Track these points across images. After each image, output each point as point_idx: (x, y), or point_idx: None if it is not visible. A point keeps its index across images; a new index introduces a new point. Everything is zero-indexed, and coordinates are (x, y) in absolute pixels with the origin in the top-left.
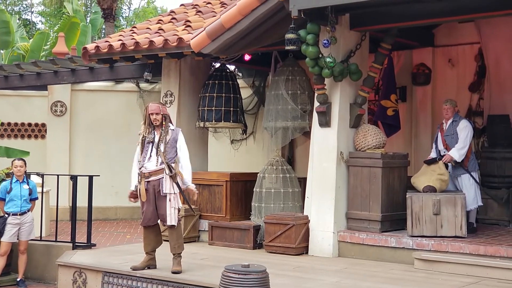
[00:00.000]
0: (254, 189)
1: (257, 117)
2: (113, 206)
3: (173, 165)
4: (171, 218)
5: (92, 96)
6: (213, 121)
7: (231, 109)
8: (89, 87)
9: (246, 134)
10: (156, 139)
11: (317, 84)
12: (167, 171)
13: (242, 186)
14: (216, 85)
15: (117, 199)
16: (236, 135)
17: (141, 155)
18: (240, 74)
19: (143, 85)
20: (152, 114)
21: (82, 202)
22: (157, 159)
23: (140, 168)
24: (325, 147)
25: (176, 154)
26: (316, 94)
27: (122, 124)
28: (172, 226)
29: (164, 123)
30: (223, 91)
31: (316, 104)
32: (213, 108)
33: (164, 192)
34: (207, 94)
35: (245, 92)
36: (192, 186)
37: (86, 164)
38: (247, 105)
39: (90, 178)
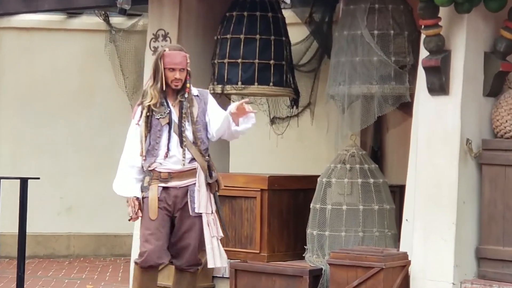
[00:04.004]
0: (311, 205)
1: (317, 78)
2: (64, 232)
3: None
4: (214, 255)
5: (28, 39)
6: (240, 83)
7: (271, 62)
8: (21, 24)
9: (297, 108)
10: (175, 116)
11: (426, 17)
12: (203, 173)
13: (290, 200)
14: (245, 20)
15: (70, 220)
16: (280, 109)
17: (143, 144)
18: (288, 1)
19: (116, 19)
20: (173, 69)
21: (7, 225)
22: (183, 153)
23: (148, 165)
24: (438, 130)
25: (209, 139)
26: (423, 36)
27: (78, 90)
28: (200, 268)
29: (187, 85)
30: (256, 30)
31: (424, 53)
32: (239, 60)
33: (197, 211)
34: (228, 36)
35: (297, 33)
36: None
37: (14, 159)
38: (300, 57)
39: (23, 182)
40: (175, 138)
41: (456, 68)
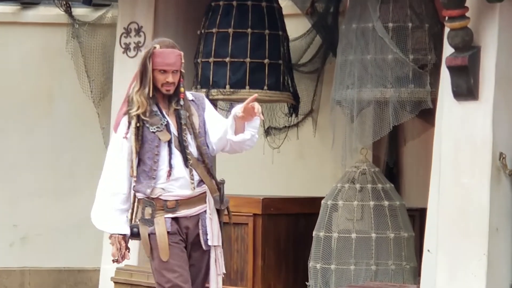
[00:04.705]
0: (314, 233)
1: (320, 80)
2: (18, 267)
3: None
4: None
5: None
6: (228, 87)
7: (266, 62)
8: None
9: (297, 116)
10: (173, 128)
11: (450, 7)
12: (212, 198)
13: (288, 227)
14: (234, 11)
15: (25, 252)
16: (276, 117)
17: (135, 163)
18: None
19: (79, 11)
20: (164, 71)
21: None
22: (190, 173)
23: (148, 192)
24: (466, 143)
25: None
26: (447, 30)
27: (34, 95)
28: None
29: (181, 90)
30: (248, 23)
31: (448, 50)
32: (227, 59)
33: (210, 243)
34: (214, 30)
35: (296, 26)
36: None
37: None
38: (300, 55)
39: None
40: (177, 155)
41: (487, 68)
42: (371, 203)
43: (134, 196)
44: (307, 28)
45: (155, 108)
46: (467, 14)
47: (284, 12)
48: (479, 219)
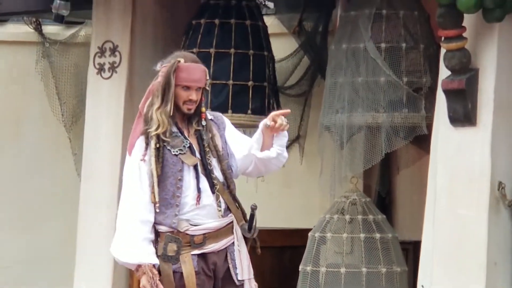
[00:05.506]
0: (300, 267)
1: (308, 104)
2: None
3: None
4: None
5: None
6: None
7: (250, 84)
8: None
9: None
10: (195, 151)
11: (447, 27)
12: (239, 229)
13: (273, 260)
14: (216, 30)
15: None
16: None
17: (156, 188)
18: (272, 6)
19: (50, 29)
20: (188, 87)
21: None
22: (217, 200)
23: (171, 224)
24: (463, 171)
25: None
26: (443, 51)
27: (0, 117)
28: None
29: (202, 109)
30: (231, 42)
31: (445, 73)
32: (209, 81)
33: (240, 278)
34: (194, 50)
35: (283, 46)
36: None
37: None
38: (286, 76)
39: None
40: (203, 180)
41: (485, 92)
42: (362, 235)
43: (154, 228)
44: (294, 48)
45: (174, 129)
46: (464, 35)
47: (270, 31)
48: (476, 253)
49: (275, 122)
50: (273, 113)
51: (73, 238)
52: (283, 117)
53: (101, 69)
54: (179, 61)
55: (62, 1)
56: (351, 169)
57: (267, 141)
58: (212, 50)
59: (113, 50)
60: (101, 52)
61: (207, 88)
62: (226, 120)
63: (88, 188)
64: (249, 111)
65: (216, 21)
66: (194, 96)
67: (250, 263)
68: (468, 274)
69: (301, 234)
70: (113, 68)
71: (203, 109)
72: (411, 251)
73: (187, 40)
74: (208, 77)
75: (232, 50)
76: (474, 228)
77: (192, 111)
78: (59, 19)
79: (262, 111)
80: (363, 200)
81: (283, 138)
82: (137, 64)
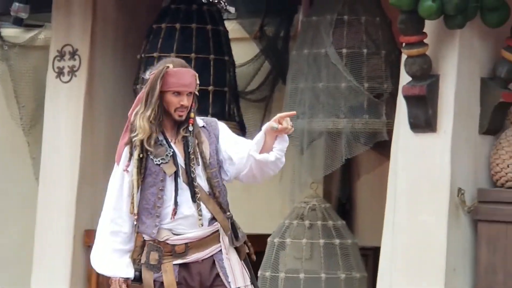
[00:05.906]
0: (259, 273)
1: (268, 109)
2: None
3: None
4: None
5: None
6: None
7: (210, 89)
8: None
9: None
10: (180, 159)
11: (408, 33)
12: (226, 236)
13: None
14: (177, 34)
15: None
16: None
17: (135, 199)
18: (233, 11)
19: (9, 32)
20: (178, 93)
21: None
22: (198, 208)
23: (153, 234)
24: (423, 178)
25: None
26: (404, 57)
27: None
28: None
29: (191, 115)
30: (192, 47)
31: (405, 79)
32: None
33: (233, 285)
34: (155, 55)
35: (244, 51)
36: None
37: None
38: (247, 81)
39: None
40: (185, 190)
41: (446, 98)
42: (321, 241)
43: (139, 237)
44: (255, 53)
45: (160, 137)
46: (425, 41)
47: (231, 36)
48: (436, 259)
49: (281, 124)
50: (279, 115)
51: (31, 241)
52: (288, 120)
53: (60, 73)
54: (167, 67)
55: (21, 4)
56: (311, 175)
57: (269, 144)
58: (173, 55)
59: (73, 54)
60: (61, 55)
61: (197, 93)
62: (221, 126)
63: (46, 192)
64: (209, 116)
65: (177, 25)
66: (186, 101)
67: (246, 270)
68: (428, 279)
69: (260, 240)
70: (72, 72)
71: (192, 114)
72: (371, 257)
73: (148, 44)
74: (197, 82)
75: (193, 55)
76: (434, 233)
77: (184, 117)
78: (18, 22)
79: (222, 116)
80: (323, 205)
81: (284, 143)
82: (97, 68)
